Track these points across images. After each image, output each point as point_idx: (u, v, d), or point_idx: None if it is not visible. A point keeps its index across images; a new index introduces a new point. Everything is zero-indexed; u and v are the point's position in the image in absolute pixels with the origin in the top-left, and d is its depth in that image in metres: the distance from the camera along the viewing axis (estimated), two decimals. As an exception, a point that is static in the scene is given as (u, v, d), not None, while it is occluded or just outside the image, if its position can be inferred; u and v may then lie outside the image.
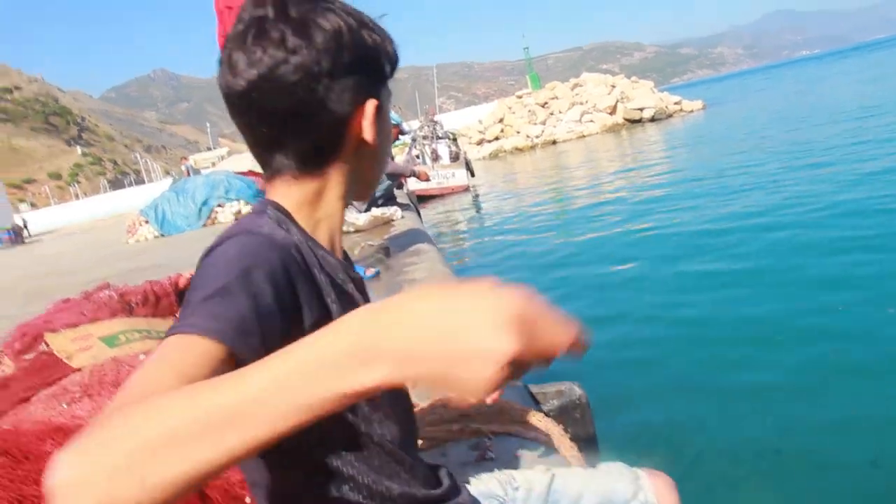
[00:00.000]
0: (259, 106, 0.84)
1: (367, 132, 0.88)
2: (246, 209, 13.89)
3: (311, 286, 0.81)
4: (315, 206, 0.90)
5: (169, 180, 31.36)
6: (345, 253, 1.02)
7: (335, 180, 0.91)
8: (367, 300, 0.97)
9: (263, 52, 0.81)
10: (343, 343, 0.48)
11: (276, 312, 0.72)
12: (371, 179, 0.97)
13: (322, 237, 0.91)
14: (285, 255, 0.78)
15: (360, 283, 0.97)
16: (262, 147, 0.89)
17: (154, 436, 0.46)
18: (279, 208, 0.89)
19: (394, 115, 8.05)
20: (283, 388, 0.48)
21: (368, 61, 0.87)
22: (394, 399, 0.96)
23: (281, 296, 0.73)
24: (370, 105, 0.87)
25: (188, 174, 20.16)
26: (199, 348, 0.63)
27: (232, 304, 0.68)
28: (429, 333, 0.46)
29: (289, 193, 0.90)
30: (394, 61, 0.92)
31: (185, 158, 29.08)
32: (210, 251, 0.76)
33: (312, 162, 0.89)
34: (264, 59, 0.81)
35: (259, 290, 0.71)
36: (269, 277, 0.73)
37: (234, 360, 0.65)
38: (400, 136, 9.24)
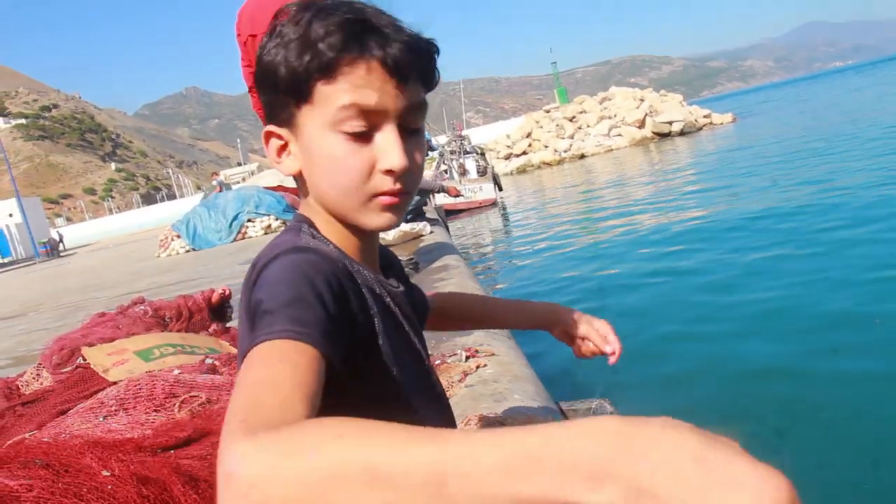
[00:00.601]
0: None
1: (270, 158, 0.87)
2: (276, 224, 14.03)
3: (358, 299, 0.81)
4: (325, 218, 0.89)
5: (200, 195, 31.85)
6: (386, 265, 1.02)
7: (309, 199, 0.91)
8: (406, 313, 0.97)
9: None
10: (587, 451, 0.42)
11: (341, 321, 0.73)
12: (330, 209, 0.87)
13: (351, 250, 0.90)
14: (336, 268, 0.79)
15: (398, 296, 0.96)
16: None
17: (355, 470, 0.45)
18: (311, 224, 0.89)
19: (431, 140, 8.09)
20: (499, 472, 0.42)
21: (258, 84, 0.85)
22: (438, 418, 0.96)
23: (341, 307, 0.75)
24: (263, 131, 0.86)
25: (220, 189, 20.45)
26: (300, 353, 0.64)
27: (311, 311, 0.69)
28: (674, 475, 0.40)
29: (310, 205, 0.91)
30: (296, 78, 0.79)
31: (216, 174, 29.48)
32: (264, 267, 0.77)
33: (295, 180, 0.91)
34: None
35: (326, 299, 0.72)
36: (330, 289, 0.74)
37: (323, 362, 0.66)
38: (429, 152, 9.30)
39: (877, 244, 5.65)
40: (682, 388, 3.88)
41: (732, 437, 0.46)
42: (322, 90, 0.79)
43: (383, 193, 0.83)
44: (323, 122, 0.80)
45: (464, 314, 1.28)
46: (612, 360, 1.14)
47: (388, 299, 0.92)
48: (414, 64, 0.81)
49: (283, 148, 0.86)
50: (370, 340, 0.82)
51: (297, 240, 0.83)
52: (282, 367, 0.62)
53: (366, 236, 0.92)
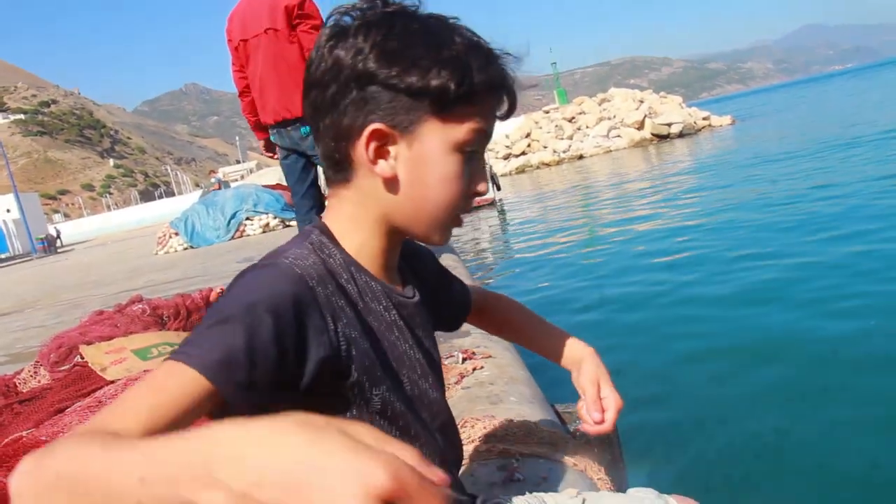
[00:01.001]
0: (303, 95, 0.89)
1: (363, 156, 0.84)
2: (274, 222, 14.03)
3: (325, 321, 0.80)
4: (353, 224, 0.89)
5: (198, 192, 31.81)
6: (407, 275, 1.01)
7: (359, 200, 0.89)
8: (413, 324, 0.97)
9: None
10: (195, 457, 0.46)
11: (272, 349, 0.72)
12: (403, 220, 0.89)
13: (365, 260, 0.90)
14: (299, 289, 0.78)
15: (408, 307, 0.96)
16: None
17: (73, 477, 0.49)
18: (325, 231, 0.89)
19: None
20: (154, 476, 0.47)
21: (395, 79, 0.81)
22: (435, 426, 0.97)
23: (283, 331, 0.73)
24: (367, 129, 0.83)
25: (219, 187, 20.47)
26: (183, 379, 0.66)
27: (226, 335, 0.70)
28: (276, 479, 0.42)
29: (335, 206, 0.91)
30: (453, 97, 0.82)
31: (215, 171, 29.44)
32: (234, 280, 0.79)
33: (333, 170, 0.89)
34: (310, 56, 0.87)
35: (258, 323, 0.71)
36: (273, 312, 0.73)
37: (216, 393, 0.67)
38: None
39: (878, 248, 5.65)
40: (678, 388, 3.88)
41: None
42: (460, 111, 0.84)
43: (463, 213, 0.91)
44: (448, 139, 0.84)
45: (503, 321, 1.26)
46: (582, 426, 1.11)
47: (394, 312, 0.92)
48: (515, 106, 0.91)
49: (383, 149, 0.85)
50: (339, 361, 0.81)
51: (284, 251, 0.84)
52: (152, 394, 0.64)
53: (395, 247, 0.93)
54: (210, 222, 14.11)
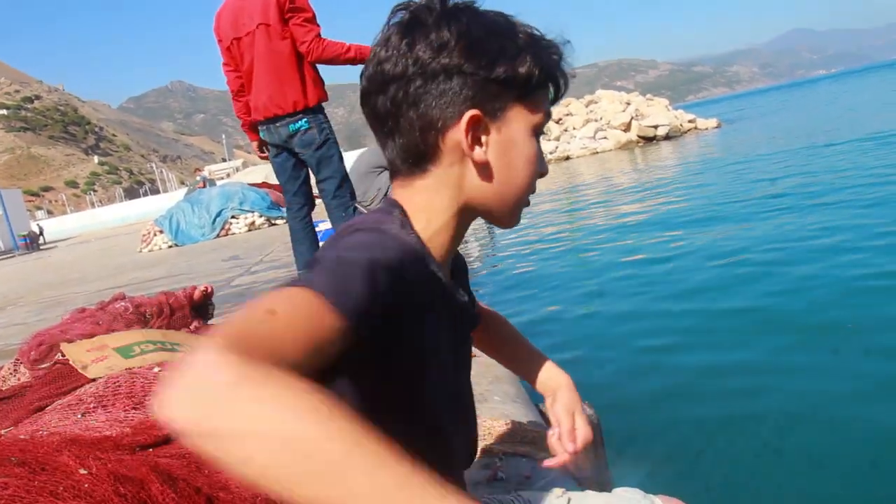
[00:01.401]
0: (368, 98, 0.91)
1: (463, 143, 0.87)
2: (260, 221, 13.96)
3: (422, 297, 0.82)
4: (428, 213, 0.90)
5: (184, 190, 31.61)
6: (456, 269, 1.02)
7: (437, 189, 0.90)
8: (464, 324, 1.00)
9: (390, 47, 0.88)
10: None
11: (380, 307, 0.72)
12: (490, 204, 0.93)
13: (437, 249, 0.91)
14: (409, 260, 0.80)
15: (462, 307, 0.97)
16: (379, 139, 0.93)
17: (271, 441, 0.49)
18: (403, 211, 0.90)
19: None
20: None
21: (483, 70, 0.85)
22: (468, 421, 1.00)
23: (393, 296, 0.74)
24: (466, 116, 0.85)
25: (204, 185, 20.33)
26: (323, 313, 0.64)
27: (355, 280, 0.69)
28: None
29: (405, 196, 0.92)
30: (534, 82, 0.89)
31: (200, 169, 29.23)
32: (342, 237, 0.79)
33: (412, 162, 0.90)
34: (380, 53, 0.88)
35: (377, 280, 0.72)
36: (389, 274, 0.74)
37: (341, 332, 0.66)
38: None
39: (868, 250, 5.68)
40: (663, 387, 3.89)
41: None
42: (537, 97, 0.91)
43: (532, 193, 0.96)
44: (530, 123, 0.91)
45: (497, 342, 1.30)
46: (549, 460, 1.11)
47: (452, 309, 0.94)
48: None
49: (477, 136, 0.88)
50: (413, 341, 0.82)
51: (382, 221, 0.85)
52: (298, 313, 0.63)
53: (460, 238, 0.95)
54: (195, 220, 14.04)
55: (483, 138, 0.88)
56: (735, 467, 2.88)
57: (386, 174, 7.39)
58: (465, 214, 0.92)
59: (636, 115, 35.30)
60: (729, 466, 2.89)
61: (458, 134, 0.86)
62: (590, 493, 1.18)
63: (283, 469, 0.48)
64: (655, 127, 34.28)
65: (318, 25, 3.77)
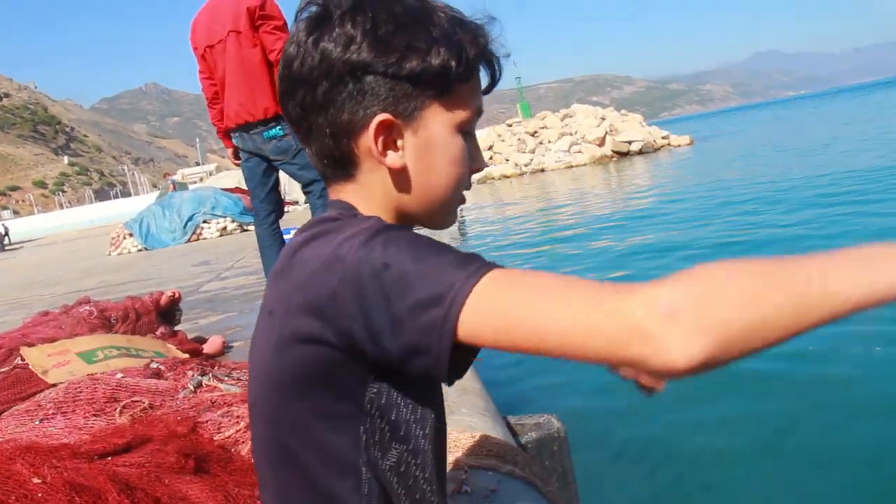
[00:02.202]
0: (282, 101, 0.85)
1: (373, 150, 0.81)
2: (232, 226, 13.82)
3: None
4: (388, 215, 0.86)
5: (156, 193, 31.18)
6: None
7: (366, 196, 0.85)
8: None
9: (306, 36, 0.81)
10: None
11: None
12: (416, 209, 0.86)
13: None
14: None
15: None
16: (303, 147, 0.88)
17: (774, 303, 0.58)
18: (355, 210, 0.85)
19: None
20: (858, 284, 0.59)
21: (391, 68, 0.79)
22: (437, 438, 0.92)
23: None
24: (374, 121, 0.80)
25: (174, 188, 20.12)
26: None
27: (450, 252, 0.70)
28: None
29: (334, 205, 0.87)
30: (453, 75, 0.80)
31: (170, 174, 29.03)
32: (374, 237, 0.72)
33: (333, 167, 0.85)
34: (288, 50, 0.83)
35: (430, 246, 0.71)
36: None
37: None
38: None
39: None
40: (632, 405, 3.91)
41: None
42: (460, 91, 0.82)
43: (466, 190, 0.90)
44: (452, 121, 0.83)
45: None
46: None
47: None
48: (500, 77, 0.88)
49: (390, 140, 0.82)
50: None
51: (369, 219, 0.79)
52: (540, 274, 0.66)
53: None
54: (166, 224, 13.87)
55: (398, 142, 0.82)
56: (735, 467, 2.87)
57: None
58: (400, 219, 0.87)
59: (611, 130, 35.66)
60: (729, 466, 2.89)
61: (368, 139, 0.81)
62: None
63: (798, 312, 0.57)
64: (629, 142, 34.65)
65: (288, 33, 3.76)
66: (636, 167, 26.40)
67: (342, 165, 0.84)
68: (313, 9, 0.82)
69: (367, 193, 0.85)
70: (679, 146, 35.72)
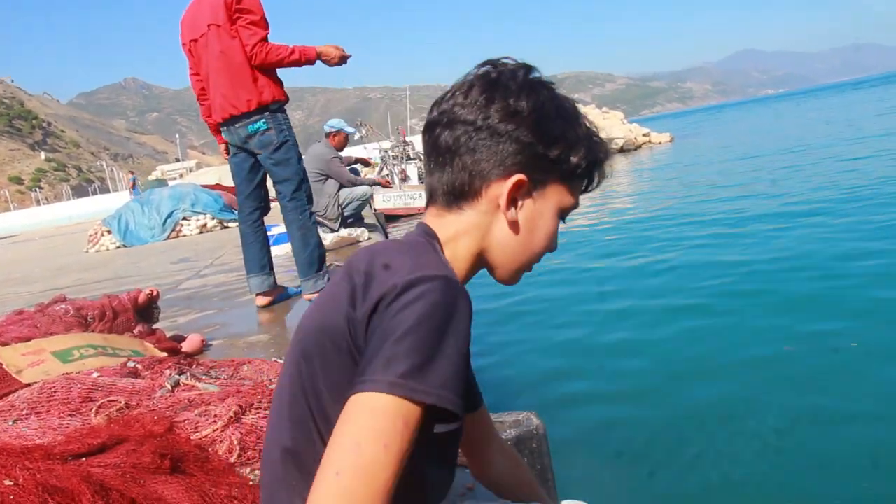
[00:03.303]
0: (434, 128, 1.00)
1: (501, 199, 0.96)
2: (212, 223, 13.71)
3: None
4: (454, 249, 0.98)
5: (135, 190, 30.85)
6: None
7: (466, 230, 0.98)
8: None
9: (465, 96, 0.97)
10: None
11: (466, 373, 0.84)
12: (501, 260, 1.01)
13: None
14: (469, 305, 0.84)
15: None
16: (428, 165, 1.01)
17: None
18: (438, 240, 0.97)
19: (347, 127, 8.02)
20: None
21: (542, 146, 0.95)
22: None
23: (468, 348, 0.83)
24: (514, 178, 0.95)
25: (133, 185, 20.05)
26: (414, 423, 0.75)
27: (457, 369, 0.78)
28: None
29: (437, 225, 0.99)
30: (580, 171, 0.99)
31: (132, 172, 28.72)
32: (415, 283, 0.80)
33: (451, 197, 0.98)
34: (458, 97, 0.98)
35: (463, 347, 0.80)
36: (467, 334, 0.82)
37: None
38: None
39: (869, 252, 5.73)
40: (612, 403, 3.94)
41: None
42: (576, 184, 1.02)
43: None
44: (561, 203, 1.01)
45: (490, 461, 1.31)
46: None
47: None
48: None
49: (516, 198, 0.97)
50: None
51: (440, 263, 0.88)
52: (397, 448, 0.74)
53: (466, 281, 1.02)
54: (145, 221, 13.72)
55: (520, 202, 0.98)
56: (735, 467, 2.88)
57: (332, 182, 7.34)
58: (479, 260, 1.01)
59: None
60: (729, 466, 2.90)
61: (501, 189, 0.96)
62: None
63: None
64: (611, 140, 34.81)
65: (264, 29, 3.74)
66: (617, 164, 26.56)
67: (460, 198, 0.98)
68: (489, 69, 0.99)
69: (467, 229, 0.99)
70: (660, 143, 35.98)
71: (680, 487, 2.95)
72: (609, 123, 36.79)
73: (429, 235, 0.97)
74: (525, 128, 0.94)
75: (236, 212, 4.49)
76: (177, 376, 2.12)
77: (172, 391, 2.01)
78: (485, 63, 1.00)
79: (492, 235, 0.98)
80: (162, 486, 1.36)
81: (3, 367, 2.36)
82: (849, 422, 3.07)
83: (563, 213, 1.02)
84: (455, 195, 0.98)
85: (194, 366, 2.33)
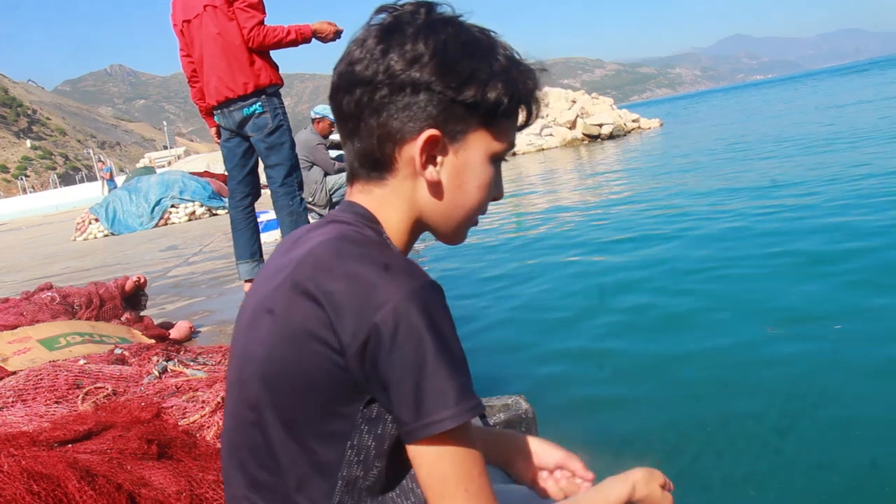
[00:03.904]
0: (336, 95, 0.90)
1: (416, 161, 0.87)
2: (201, 211, 13.64)
3: None
4: (386, 223, 0.91)
5: (122, 178, 30.61)
6: None
7: (392, 200, 0.91)
8: None
9: (368, 49, 0.86)
10: None
11: None
12: (437, 221, 0.93)
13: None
14: (442, 291, 0.82)
15: None
16: (341, 137, 0.93)
17: None
18: (377, 223, 0.91)
19: (332, 114, 7.93)
20: None
21: (451, 91, 0.85)
22: None
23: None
24: (424, 135, 0.85)
25: (111, 176, 19.85)
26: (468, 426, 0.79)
27: (466, 371, 0.79)
28: None
29: (366, 201, 0.92)
30: (502, 110, 0.88)
31: (104, 163, 28.24)
32: (414, 296, 0.78)
33: (368, 167, 0.90)
34: (354, 52, 0.88)
35: (458, 341, 0.80)
36: (454, 328, 0.80)
37: None
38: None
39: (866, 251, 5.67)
40: (601, 386, 3.94)
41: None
42: (503, 125, 0.90)
43: (482, 215, 0.97)
44: (489, 150, 0.90)
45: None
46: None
47: None
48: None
49: (432, 155, 0.88)
50: None
51: (408, 263, 0.83)
52: (476, 460, 0.81)
53: (408, 251, 0.96)
54: (133, 209, 13.65)
55: (439, 158, 0.88)
56: (735, 467, 2.87)
57: (318, 169, 7.30)
58: (417, 227, 0.93)
59: (582, 114, 35.80)
60: (730, 466, 2.89)
61: (413, 150, 0.86)
62: (513, 486, 1.19)
63: None
64: (600, 125, 34.83)
65: (262, 12, 3.71)
66: (607, 150, 26.57)
67: (379, 168, 0.89)
68: (384, 17, 0.88)
69: (394, 199, 0.90)
70: (649, 129, 36.06)
71: (673, 466, 2.96)
72: (599, 109, 36.76)
73: (365, 219, 0.90)
74: (428, 74, 0.83)
75: (225, 199, 4.47)
76: (164, 363, 2.11)
77: (160, 377, 2.00)
78: (380, 9, 0.89)
79: (419, 201, 0.90)
80: (149, 472, 1.36)
81: (-11, 355, 2.34)
82: (849, 421, 3.07)
83: (495, 158, 0.92)
84: (370, 165, 0.90)
85: (182, 352, 2.32)
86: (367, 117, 0.87)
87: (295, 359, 0.81)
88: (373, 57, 0.85)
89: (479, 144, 0.89)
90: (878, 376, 3.39)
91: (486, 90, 0.85)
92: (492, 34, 0.90)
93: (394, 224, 0.91)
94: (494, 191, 0.95)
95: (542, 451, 1.16)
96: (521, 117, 0.93)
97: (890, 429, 2.93)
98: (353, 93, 0.87)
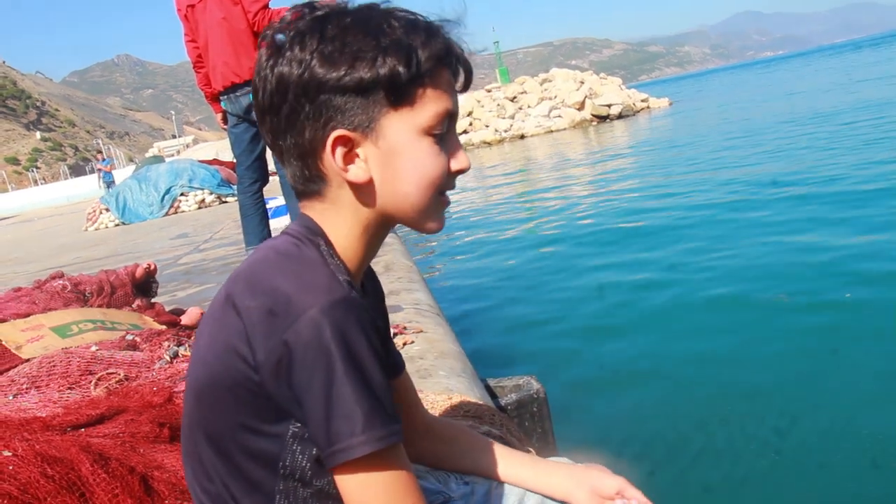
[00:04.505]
0: (261, 130, 0.88)
1: (336, 166, 0.82)
2: (210, 198, 13.68)
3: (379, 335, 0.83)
4: (335, 236, 0.87)
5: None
6: (369, 291, 1.03)
7: (336, 211, 0.87)
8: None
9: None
10: None
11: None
12: (395, 214, 0.88)
13: (357, 266, 0.90)
14: (359, 310, 0.77)
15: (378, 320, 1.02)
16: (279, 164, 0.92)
17: None
18: (326, 238, 0.86)
19: None
20: None
21: (340, 85, 0.79)
22: None
23: (377, 347, 0.78)
24: (329, 139, 0.81)
25: (108, 169, 19.88)
26: (402, 459, 0.78)
27: (379, 395, 0.75)
28: None
29: (332, 211, 0.88)
30: (407, 82, 0.80)
31: (101, 154, 27.92)
32: (322, 318, 0.74)
33: (304, 186, 0.87)
34: (255, 81, 0.85)
35: (374, 356, 0.76)
36: (370, 340, 0.76)
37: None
38: None
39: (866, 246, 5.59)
40: (614, 367, 3.95)
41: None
42: (416, 94, 0.82)
43: (448, 190, 0.90)
44: (415, 126, 0.83)
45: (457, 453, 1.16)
46: None
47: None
48: (471, 73, 0.88)
49: (351, 154, 0.83)
50: None
51: (331, 280, 0.79)
52: (403, 482, 0.77)
53: (370, 255, 0.92)
54: (143, 198, 13.71)
55: (361, 154, 0.83)
56: (735, 467, 2.87)
57: None
58: (373, 229, 0.89)
59: (590, 94, 35.56)
60: (730, 466, 2.88)
61: (328, 156, 0.82)
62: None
63: None
64: (609, 106, 34.61)
65: None
66: (616, 130, 26.38)
67: (312, 184, 0.86)
68: (271, 37, 0.83)
69: (337, 210, 0.87)
70: (658, 108, 35.81)
71: (683, 446, 2.97)
72: (607, 89, 36.51)
73: (311, 232, 0.86)
74: (315, 77, 0.78)
75: (234, 186, 4.47)
76: (175, 348, 2.12)
77: (171, 362, 2.01)
78: (265, 30, 0.84)
79: (359, 204, 0.86)
80: (161, 455, 1.37)
81: (3, 343, 2.36)
82: (849, 422, 3.06)
83: (430, 131, 0.84)
84: (304, 182, 0.86)
85: (193, 337, 2.33)
86: (282, 140, 0.84)
87: (220, 372, 0.80)
88: (266, 78, 0.82)
89: (396, 125, 0.82)
90: (879, 376, 3.38)
91: (375, 67, 0.79)
92: (381, 6, 0.84)
93: (342, 234, 0.87)
94: (447, 164, 0.87)
95: (600, 481, 1.05)
96: (447, 77, 0.85)
97: (890, 429, 2.91)
98: (265, 123, 0.85)
